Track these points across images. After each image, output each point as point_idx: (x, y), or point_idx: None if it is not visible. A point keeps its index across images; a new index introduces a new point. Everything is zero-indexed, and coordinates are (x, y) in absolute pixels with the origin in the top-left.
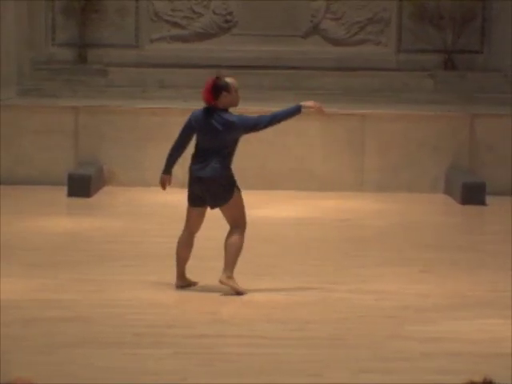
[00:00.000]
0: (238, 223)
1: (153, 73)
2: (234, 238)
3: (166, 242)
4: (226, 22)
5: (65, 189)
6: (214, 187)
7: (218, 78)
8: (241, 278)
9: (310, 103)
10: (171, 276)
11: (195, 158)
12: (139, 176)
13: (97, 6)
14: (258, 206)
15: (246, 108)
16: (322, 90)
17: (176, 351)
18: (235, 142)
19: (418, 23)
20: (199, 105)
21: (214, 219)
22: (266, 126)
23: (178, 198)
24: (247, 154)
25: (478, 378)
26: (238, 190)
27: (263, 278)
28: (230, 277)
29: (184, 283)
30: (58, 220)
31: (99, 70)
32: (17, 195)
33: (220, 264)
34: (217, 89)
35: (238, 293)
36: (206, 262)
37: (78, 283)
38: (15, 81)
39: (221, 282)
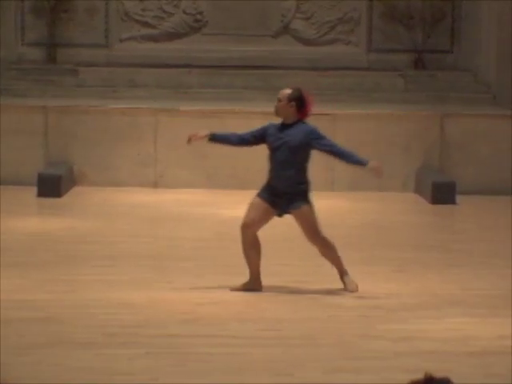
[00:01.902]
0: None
1: (123, 72)
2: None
3: (137, 242)
4: (197, 21)
5: (34, 189)
6: None
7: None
8: (213, 278)
9: (375, 165)
10: (143, 276)
11: None
12: (110, 176)
13: (66, 6)
14: (230, 205)
15: (217, 108)
16: None
17: (148, 351)
18: (302, 153)
19: (389, 23)
20: (169, 104)
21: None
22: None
23: (148, 198)
24: (219, 155)
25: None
26: (256, 196)
27: (235, 277)
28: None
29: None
30: (28, 220)
31: (69, 70)
32: None
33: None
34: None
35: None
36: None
37: (49, 283)
38: None
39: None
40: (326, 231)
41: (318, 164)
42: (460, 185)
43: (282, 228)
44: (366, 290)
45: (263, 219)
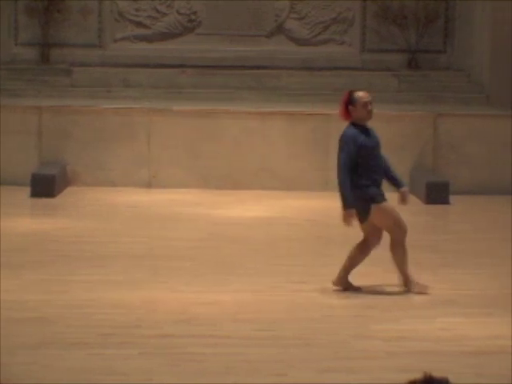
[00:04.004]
0: (391, 234)
1: (117, 72)
2: (391, 247)
3: (131, 242)
4: (190, 21)
5: (28, 189)
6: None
7: (349, 92)
8: (207, 278)
9: (406, 191)
10: (137, 276)
11: None
12: (103, 176)
13: (60, 6)
14: (224, 206)
15: (211, 108)
16: (286, 89)
17: (142, 351)
18: (360, 159)
19: (382, 23)
20: (163, 104)
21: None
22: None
23: (142, 198)
24: (213, 154)
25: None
26: (381, 202)
27: (230, 277)
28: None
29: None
30: (21, 221)
31: (63, 70)
32: None
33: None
34: (345, 103)
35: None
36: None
37: (43, 284)
38: None
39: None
40: (321, 231)
41: (312, 164)
42: (453, 185)
43: (277, 228)
44: (360, 290)
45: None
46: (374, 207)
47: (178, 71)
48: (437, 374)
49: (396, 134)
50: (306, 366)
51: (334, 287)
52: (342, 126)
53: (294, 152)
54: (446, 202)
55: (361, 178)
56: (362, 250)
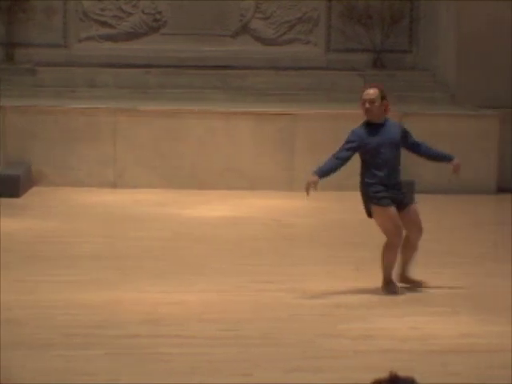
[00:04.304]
0: (386, 237)
1: (82, 72)
2: (384, 249)
3: (97, 243)
4: (156, 21)
5: None
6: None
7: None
8: (174, 278)
9: (459, 162)
10: (103, 276)
11: None
12: (69, 176)
13: (24, 6)
14: (190, 205)
15: (177, 108)
16: (252, 89)
17: (108, 352)
18: (361, 155)
19: (348, 23)
20: (129, 104)
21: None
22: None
23: (108, 198)
24: (178, 154)
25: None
26: (381, 205)
27: (196, 277)
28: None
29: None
30: None
31: (27, 70)
32: None
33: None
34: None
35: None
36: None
37: (8, 284)
38: None
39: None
40: (287, 231)
41: (278, 164)
42: (419, 184)
43: (243, 228)
44: (327, 289)
45: (401, 224)
46: (374, 207)
47: (143, 71)
48: (404, 372)
49: None
50: (272, 365)
51: (399, 284)
52: (308, 126)
53: (259, 152)
54: (411, 201)
55: (365, 175)
56: (406, 247)
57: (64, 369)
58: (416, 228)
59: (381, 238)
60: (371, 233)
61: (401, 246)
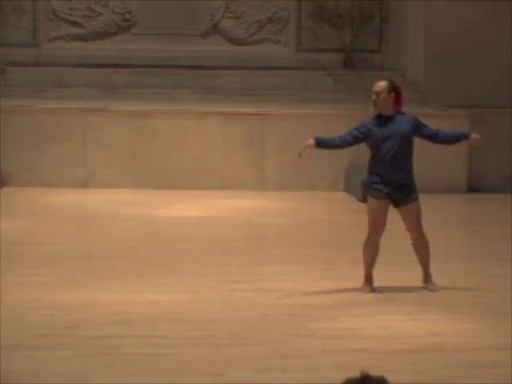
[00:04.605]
0: (368, 230)
1: (51, 72)
2: (364, 243)
3: (68, 243)
4: (125, 21)
5: None
6: None
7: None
8: (145, 279)
9: (477, 136)
10: (74, 277)
11: None
12: (38, 176)
13: None
14: (160, 205)
15: (147, 108)
16: (222, 89)
17: (79, 352)
18: (369, 147)
19: (317, 23)
20: (98, 104)
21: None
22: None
23: (78, 198)
24: (148, 154)
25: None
26: (371, 196)
27: (166, 277)
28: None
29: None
30: None
31: None
32: None
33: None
34: None
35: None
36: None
37: None
38: None
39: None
40: (258, 231)
41: (248, 163)
42: None
43: (213, 228)
44: (297, 289)
45: (384, 220)
46: (367, 196)
47: (113, 71)
48: (375, 372)
49: (332, 133)
50: (243, 365)
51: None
52: (279, 125)
53: (230, 152)
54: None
55: (370, 163)
56: (415, 248)
57: (35, 369)
58: (410, 227)
59: (352, 238)
60: (342, 232)
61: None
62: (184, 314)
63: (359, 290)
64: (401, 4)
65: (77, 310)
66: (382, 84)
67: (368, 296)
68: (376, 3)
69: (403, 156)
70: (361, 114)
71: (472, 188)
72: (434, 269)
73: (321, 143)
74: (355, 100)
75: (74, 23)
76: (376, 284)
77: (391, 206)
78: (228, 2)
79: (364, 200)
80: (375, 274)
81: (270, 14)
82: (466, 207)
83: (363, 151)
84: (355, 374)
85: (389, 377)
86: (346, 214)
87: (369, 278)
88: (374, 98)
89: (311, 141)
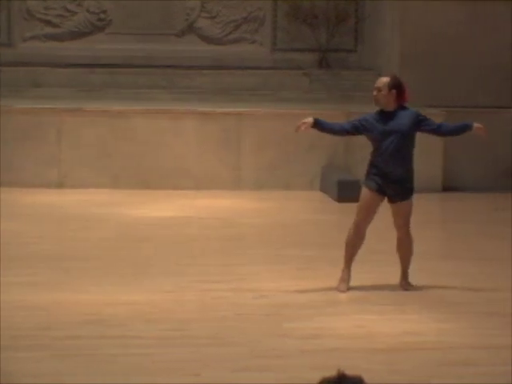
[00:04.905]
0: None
1: (26, 72)
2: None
3: (41, 243)
4: (100, 20)
5: None
6: None
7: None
8: (120, 279)
9: (480, 125)
10: (47, 277)
11: None
12: (13, 176)
13: None
14: (136, 205)
15: (122, 108)
16: (198, 88)
17: (53, 353)
18: (370, 141)
19: (293, 22)
20: (73, 104)
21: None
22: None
23: (52, 198)
24: (124, 154)
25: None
26: (366, 186)
27: (141, 277)
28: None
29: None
30: None
31: None
32: None
33: None
34: None
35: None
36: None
37: None
38: None
39: None
40: (233, 230)
41: (224, 163)
42: None
43: (189, 228)
44: (273, 289)
45: (374, 211)
46: (363, 187)
47: (88, 71)
48: (351, 371)
49: (308, 133)
50: (219, 365)
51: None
52: (254, 125)
53: (206, 151)
54: (357, 200)
55: (371, 155)
56: (398, 246)
57: (9, 370)
58: (397, 224)
59: (328, 237)
60: (319, 232)
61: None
62: (159, 314)
63: (336, 288)
64: (376, 4)
65: (50, 311)
66: (384, 80)
67: (345, 295)
68: (352, 3)
69: (403, 152)
70: (337, 114)
71: (447, 187)
72: (412, 267)
73: (319, 124)
74: (331, 100)
75: (49, 23)
76: (353, 283)
77: (385, 201)
78: (204, 1)
79: (340, 200)
80: (352, 273)
81: (246, 14)
82: (442, 206)
83: (339, 150)
84: (332, 373)
85: (365, 376)
86: (323, 213)
87: (348, 266)
88: (375, 93)
89: (310, 119)
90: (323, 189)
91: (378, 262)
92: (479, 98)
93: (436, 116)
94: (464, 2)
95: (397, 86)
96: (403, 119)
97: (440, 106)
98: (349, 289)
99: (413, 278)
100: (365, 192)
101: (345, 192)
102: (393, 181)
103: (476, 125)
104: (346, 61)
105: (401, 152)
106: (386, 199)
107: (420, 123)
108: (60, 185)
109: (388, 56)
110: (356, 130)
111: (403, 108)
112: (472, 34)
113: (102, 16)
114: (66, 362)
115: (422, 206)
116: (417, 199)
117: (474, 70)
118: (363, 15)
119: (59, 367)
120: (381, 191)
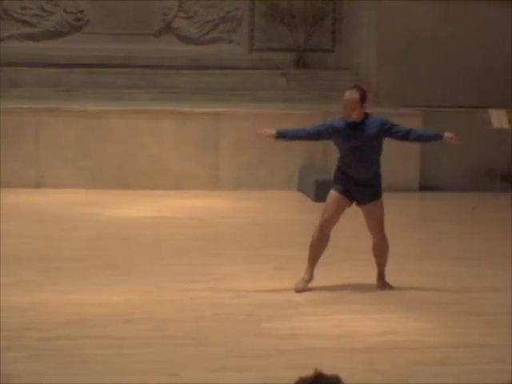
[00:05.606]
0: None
1: (3, 72)
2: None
3: (20, 243)
4: (77, 20)
5: None
6: None
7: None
8: (98, 279)
9: (451, 134)
10: (27, 278)
11: None
12: None
13: None
14: (114, 206)
15: (100, 108)
16: (176, 88)
17: (33, 354)
18: (337, 146)
19: (270, 22)
20: (51, 104)
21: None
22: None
23: (30, 198)
24: (102, 154)
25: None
26: (333, 188)
27: (120, 278)
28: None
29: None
30: None
31: None
32: None
33: None
34: None
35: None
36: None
37: None
38: None
39: None
40: (211, 230)
41: (202, 163)
42: None
43: (167, 228)
44: (251, 288)
45: (339, 214)
46: (330, 189)
47: (66, 70)
48: (328, 371)
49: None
50: (198, 365)
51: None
52: (232, 125)
53: (184, 151)
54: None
55: (338, 160)
56: (374, 251)
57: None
58: (371, 228)
59: (306, 237)
60: (297, 232)
61: (325, 245)
62: (138, 314)
63: (295, 285)
64: (353, 4)
65: (29, 311)
66: (354, 97)
67: (322, 295)
68: (329, 3)
69: (370, 159)
70: (314, 114)
71: (423, 187)
72: (388, 267)
73: (282, 136)
74: (309, 99)
75: (26, 23)
76: (331, 283)
77: (354, 205)
78: (181, 1)
79: (317, 199)
80: (326, 272)
81: (223, 14)
82: (419, 206)
83: (317, 151)
84: (309, 373)
85: (344, 376)
86: (301, 213)
87: (311, 266)
88: (348, 111)
89: (273, 131)
90: (301, 188)
91: (355, 261)
92: (456, 98)
93: (413, 116)
94: (441, 2)
95: (364, 97)
96: (370, 129)
97: (417, 106)
98: (306, 290)
99: (390, 278)
100: (331, 194)
101: (322, 192)
102: (360, 185)
103: (447, 134)
104: (323, 61)
105: (368, 159)
106: (354, 204)
107: (387, 131)
108: (39, 185)
109: (365, 56)
110: (320, 136)
111: (369, 115)
112: (449, 34)
113: (80, 16)
114: (45, 362)
115: (400, 205)
116: (394, 198)
117: (452, 69)
118: (341, 15)
119: (39, 368)
120: (348, 194)
